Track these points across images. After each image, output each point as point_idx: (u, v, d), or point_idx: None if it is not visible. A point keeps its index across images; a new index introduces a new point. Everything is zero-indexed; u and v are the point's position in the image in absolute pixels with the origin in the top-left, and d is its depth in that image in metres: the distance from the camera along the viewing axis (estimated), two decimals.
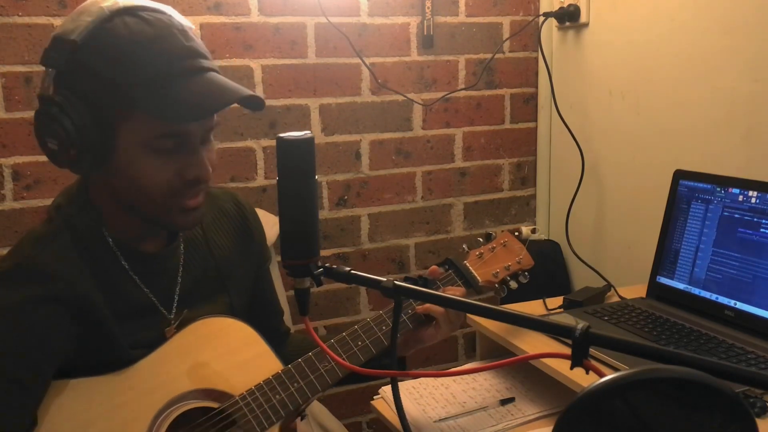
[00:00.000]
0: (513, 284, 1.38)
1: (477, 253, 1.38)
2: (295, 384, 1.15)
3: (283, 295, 1.77)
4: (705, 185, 1.50)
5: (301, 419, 1.22)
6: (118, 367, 1.09)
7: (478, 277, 1.34)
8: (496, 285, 1.36)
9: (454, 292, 1.28)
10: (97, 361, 1.08)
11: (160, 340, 1.13)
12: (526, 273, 1.39)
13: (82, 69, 0.98)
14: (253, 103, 1.07)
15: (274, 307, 1.41)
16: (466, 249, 1.40)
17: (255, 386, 1.14)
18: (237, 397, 1.13)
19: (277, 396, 1.14)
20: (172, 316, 1.17)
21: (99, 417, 1.06)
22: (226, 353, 1.16)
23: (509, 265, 1.38)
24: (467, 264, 1.35)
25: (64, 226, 1.07)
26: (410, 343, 1.29)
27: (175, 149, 1.04)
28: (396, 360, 0.97)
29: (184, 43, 1.01)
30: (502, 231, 1.46)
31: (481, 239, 1.41)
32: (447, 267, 1.35)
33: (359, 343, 1.21)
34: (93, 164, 1.03)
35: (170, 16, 1.03)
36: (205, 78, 1.02)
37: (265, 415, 1.12)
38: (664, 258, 1.57)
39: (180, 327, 1.16)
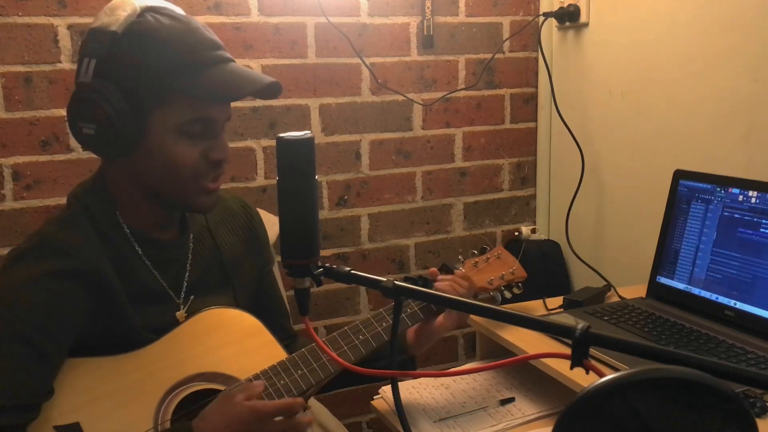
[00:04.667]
0: (507, 294, 1.45)
1: (473, 262, 1.45)
2: (299, 371, 1.19)
3: (283, 295, 1.77)
4: (705, 185, 1.50)
5: (303, 410, 1.23)
6: (130, 348, 1.14)
7: (475, 283, 1.39)
8: (491, 292, 1.42)
9: (446, 279, 1.35)
10: (111, 340, 1.13)
11: (170, 324, 1.19)
12: (520, 284, 1.47)
13: (123, 57, 1.07)
14: (274, 89, 1.15)
15: (281, 309, 1.45)
16: (462, 259, 1.46)
17: (260, 371, 1.18)
18: (242, 381, 1.16)
19: (282, 381, 1.18)
20: (181, 301, 1.22)
21: (109, 394, 1.11)
22: (233, 341, 1.22)
23: (503, 275, 1.44)
24: (463, 269, 1.42)
25: (83, 211, 1.14)
26: (422, 338, 1.35)
27: (202, 134, 1.13)
28: (396, 360, 0.98)
29: (209, 36, 1.13)
30: (497, 246, 1.54)
31: (476, 252, 1.48)
32: (444, 272, 1.41)
33: (360, 336, 1.25)
34: (126, 147, 1.10)
35: (188, 16, 1.13)
36: (231, 66, 1.14)
37: (270, 399, 1.15)
38: (664, 258, 1.57)
39: (189, 314, 1.22)
